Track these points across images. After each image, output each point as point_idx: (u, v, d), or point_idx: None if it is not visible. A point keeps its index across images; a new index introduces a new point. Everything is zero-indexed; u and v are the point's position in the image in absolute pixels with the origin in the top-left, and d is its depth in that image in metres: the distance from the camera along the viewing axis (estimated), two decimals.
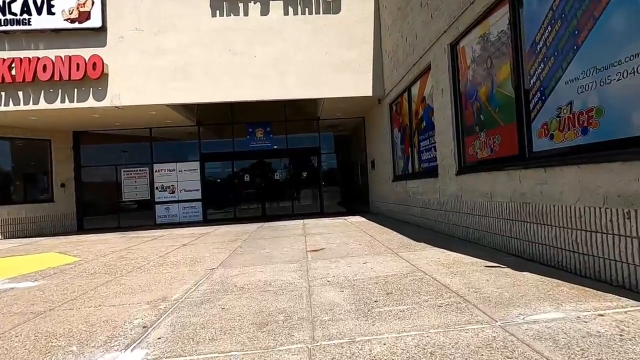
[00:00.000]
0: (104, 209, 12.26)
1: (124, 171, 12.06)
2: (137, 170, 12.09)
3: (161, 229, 10.82)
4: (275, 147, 12.40)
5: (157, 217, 12.03)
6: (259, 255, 5.30)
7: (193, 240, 7.51)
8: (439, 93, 5.96)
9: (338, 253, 5.07)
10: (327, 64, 9.49)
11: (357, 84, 9.54)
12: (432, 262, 4.08)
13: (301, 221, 10.22)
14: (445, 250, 4.67)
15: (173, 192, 12.07)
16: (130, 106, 9.24)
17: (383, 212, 10.34)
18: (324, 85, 9.46)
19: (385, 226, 7.69)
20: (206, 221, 12.06)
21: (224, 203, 12.75)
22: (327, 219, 10.50)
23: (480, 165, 4.87)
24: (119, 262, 5.51)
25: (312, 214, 12.21)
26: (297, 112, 12.78)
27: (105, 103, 9.07)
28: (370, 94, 9.56)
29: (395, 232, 6.66)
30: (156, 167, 12.08)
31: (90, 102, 9.04)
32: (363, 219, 9.78)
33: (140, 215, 12.21)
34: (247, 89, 9.40)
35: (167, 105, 9.48)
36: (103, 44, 9.11)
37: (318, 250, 5.44)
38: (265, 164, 12.76)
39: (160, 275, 4.44)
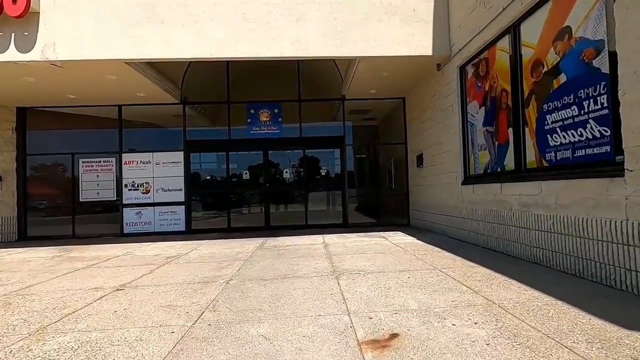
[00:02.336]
0: (56, 211, 9.24)
1: (82, 162, 9.04)
2: (100, 162, 9.06)
3: (125, 242, 7.77)
4: (284, 135, 9.29)
5: (124, 224, 8.99)
6: (244, 355, 2.17)
7: (143, 276, 4.41)
8: None
9: None
10: (365, 7, 6.37)
11: (410, 37, 6.39)
12: None
13: (320, 238, 7.09)
14: None
15: (147, 192, 9.03)
16: (72, 62, 6.21)
17: (434, 228, 7.17)
18: (360, 38, 6.34)
19: (470, 260, 4.50)
20: (190, 232, 8.99)
21: (214, 208, 9.67)
22: (355, 234, 7.36)
23: None
24: None
25: (333, 226, 9.08)
26: (316, 89, 9.71)
27: (34, 56, 6.04)
28: (429, 52, 6.40)
29: (518, 283, 3.46)
30: (126, 157, 9.05)
31: (11, 54, 6.02)
32: (412, 238, 6.61)
33: (106, 220, 9.18)
34: (246, 43, 6.32)
35: (128, 62, 6.41)
36: None
37: (386, 341, 2.29)
38: (271, 157, 9.63)
39: None
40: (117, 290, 3.79)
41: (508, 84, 4.75)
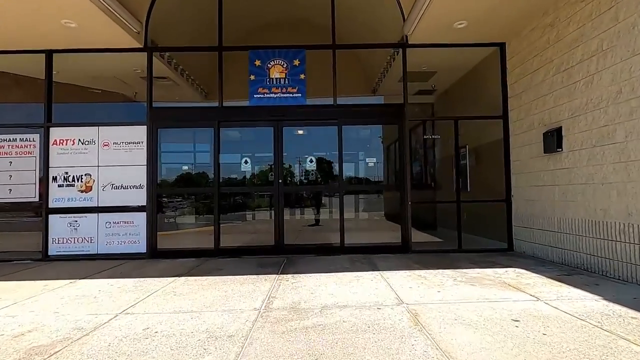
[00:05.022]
0: None
1: None
2: (15, 141, 5.72)
3: (34, 276, 4.41)
4: (309, 102, 5.81)
5: (50, 241, 5.61)
6: None
7: None
8: None
9: None
10: None
11: None
12: None
13: (382, 283, 3.55)
14: None
15: (88, 190, 5.64)
16: None
17: (600, 268, 3.60)
18: None
19: None
20: (153, 254, 5.56)
21: (196, 214, 6.25)
22: (446, 276, 3.80)
23: None
24: None
25: (387, 250, 5.53)
26: (358, 29, 6.24)
27: None
28: None
29: None
30: (55, 133, 5.69)
31: None
32: (586, 296, 3.03)
33: (35, 229, 5.80)
34: None
35: None
36: None
37: None
38: (287, 136, 6.07)
39: None
40: None
41: None
